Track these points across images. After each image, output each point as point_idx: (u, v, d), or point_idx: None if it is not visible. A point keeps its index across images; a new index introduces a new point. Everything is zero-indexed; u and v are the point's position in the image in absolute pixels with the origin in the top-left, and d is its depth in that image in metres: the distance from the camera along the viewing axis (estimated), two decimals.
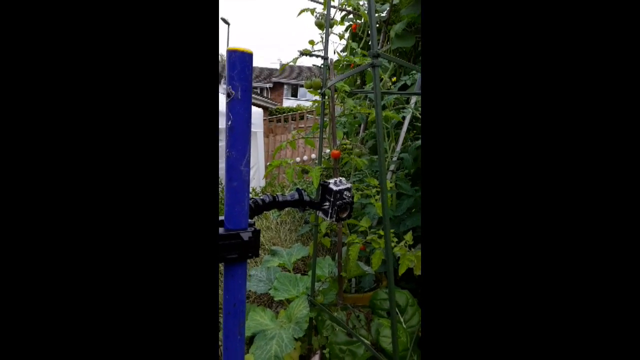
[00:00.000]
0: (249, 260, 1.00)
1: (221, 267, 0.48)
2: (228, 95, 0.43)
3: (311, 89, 1.37)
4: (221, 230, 0.47)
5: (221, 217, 0.49)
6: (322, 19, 1.53)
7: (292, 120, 6.20)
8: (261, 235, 1.93)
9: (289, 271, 1.71)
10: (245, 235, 0.47)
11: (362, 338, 1.27)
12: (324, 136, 1.42)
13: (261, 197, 0.59)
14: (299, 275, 1.62)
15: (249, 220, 0.50)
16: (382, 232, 1.34)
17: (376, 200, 1.44)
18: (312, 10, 1.47)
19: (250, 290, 1.66)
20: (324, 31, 1.22)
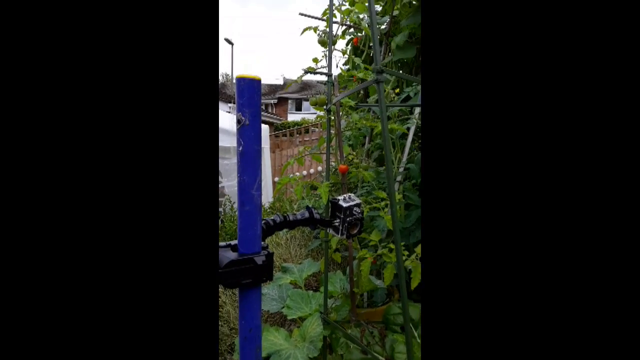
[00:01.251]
0: None
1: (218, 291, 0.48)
2: (238, 122, 0.43)
3: (316, 106, 1.38)
4: (235, 255, 0.47)
5: (234, 242, 0.49)
6: (324, 36, 1.56)
7: (298, 134, 6.24)
8: None
9: (301, 288, 1.69)
10: (259, 260, 0.47)
11: (377, 355, 1.24)
12: (330, 151, 1.42)
13: (272, 218, 0.59)
14: (310, 292, 1.60)
15: (262, 243, 0.50)
16: (392, 245, 1.32)
17: (385, 212, 1.43)
18: (315, 29, 1.50)
19: (262, 310, 1.64)
20: (327, 48, 1.23)
